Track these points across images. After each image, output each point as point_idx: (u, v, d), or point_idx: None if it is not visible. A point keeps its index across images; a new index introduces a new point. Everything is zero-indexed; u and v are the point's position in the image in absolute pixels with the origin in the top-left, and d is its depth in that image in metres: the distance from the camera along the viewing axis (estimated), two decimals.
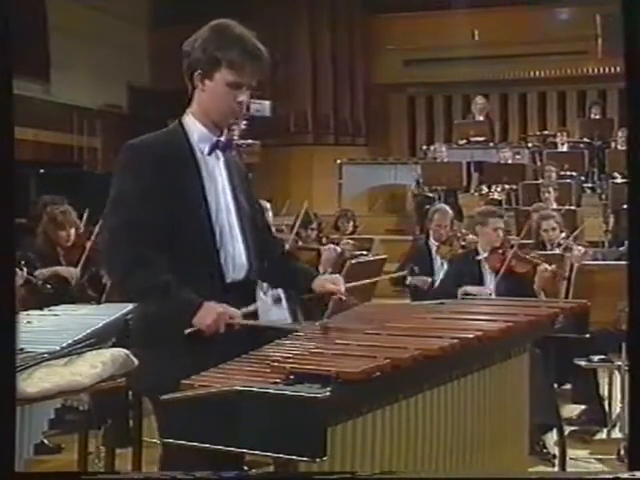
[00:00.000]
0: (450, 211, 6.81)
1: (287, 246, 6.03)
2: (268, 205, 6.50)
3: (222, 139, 2.62)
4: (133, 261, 2.42)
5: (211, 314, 2.42)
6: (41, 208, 5.78)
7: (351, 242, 7.47)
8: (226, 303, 2.47)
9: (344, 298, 2.70)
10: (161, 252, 2.43)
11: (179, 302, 2.43)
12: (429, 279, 6.22)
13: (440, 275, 6.07)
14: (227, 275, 2.55)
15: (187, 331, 2.39)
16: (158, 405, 2.20)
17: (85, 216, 5.94)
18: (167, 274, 2.42)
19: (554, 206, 8.58)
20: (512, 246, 5.31)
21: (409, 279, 6.34)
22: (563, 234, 5.89)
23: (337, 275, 2.87)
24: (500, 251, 5.22)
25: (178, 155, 2.54)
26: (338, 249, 6.06)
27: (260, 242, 2.71)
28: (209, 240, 2.53)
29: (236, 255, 2.58)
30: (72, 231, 5.49)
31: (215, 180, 2.59)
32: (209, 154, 2.59)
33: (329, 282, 2.73)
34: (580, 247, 5.54)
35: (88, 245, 5.51)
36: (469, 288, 5.14)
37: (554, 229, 5.82)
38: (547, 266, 5.01)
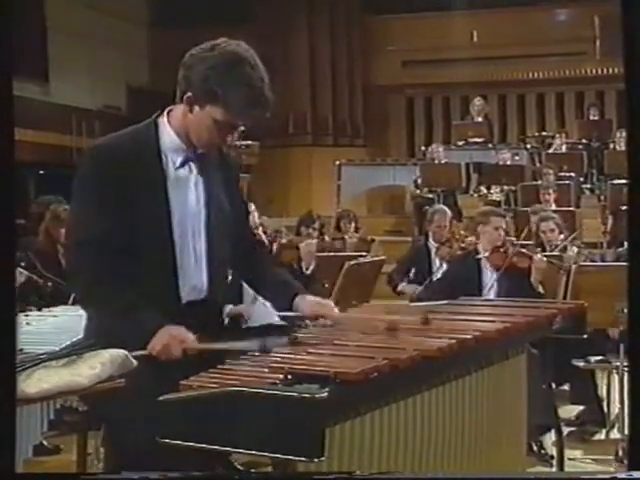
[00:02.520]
0: (449, 211, 6.83)
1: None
2: (252, 206, 6.52)
3: (198, 152, 2.42)
4: (94, 279, 2.31)
5: (162, 339, 2.28)
6: (42, 208, 5.80)
7: (357, 235, 7.54)
8: (183, 324, 2.32)
9: (330, 323, 2.54)
10: (122, 268, 2.31)
11: (136, 325, 2.29)
12: (419, 288, 6.21)
13: (438, 275, 6.08)
14: (183, 296, 2.41)
15: (134, 354, 2.22)
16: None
17: None
18: (128, 293, 2.31)
19: (553, 207, 8.59)
20: (513, 244, 5.33)
21: (401, 285, 6.36)
22: (562, 236, 5.90)
23: (329, 301, 2.65)
24: (502, 249, 5.24)
25: (145, 166, 2.36)
26: (314, 242, 6.14)
27: (240, 251, 2.56)
28: (167, 260, 2.37)
29: (195, 276, 2.43)
30: None
31: (184, 195, 2.40)
32: (180, 167, 2.41)
33: (320, 306, 2.57)
34: (574, 248, 5.56)
35: None
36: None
37: (552, 230, 5.83)
38: (542, 257, 5.03)
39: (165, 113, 2.45)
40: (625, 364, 4.33)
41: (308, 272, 6.00)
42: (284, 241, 6.55)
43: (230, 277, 2.77)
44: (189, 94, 2.34)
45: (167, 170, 2.39)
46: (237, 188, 2.64)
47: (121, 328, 2.30)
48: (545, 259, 5.05)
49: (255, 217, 6.48)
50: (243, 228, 2.65)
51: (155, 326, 2.30)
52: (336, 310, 2.58)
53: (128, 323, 2.30)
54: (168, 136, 2.41)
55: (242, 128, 2.45)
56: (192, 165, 2.43)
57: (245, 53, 2.32)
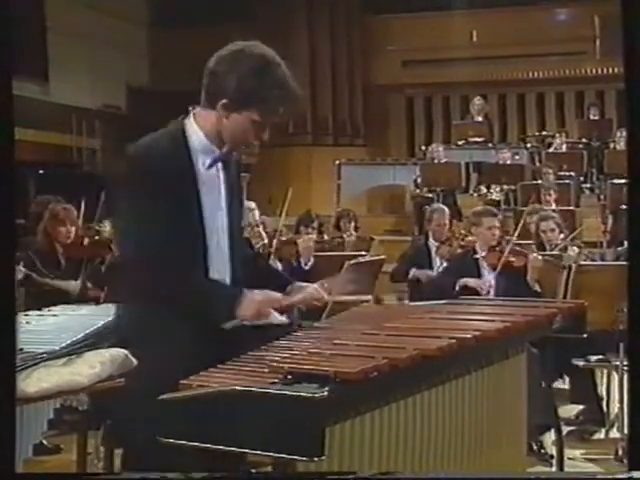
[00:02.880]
0: (448, 210, 6.86)
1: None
2: (253, 204, 6.54)
3: (224, 152, 2.54)
4: (164, 269, 2.41)
5: (251, 306, 2.42)
6: (40, 207, 5.80)
7: (355, 235, 7.55)
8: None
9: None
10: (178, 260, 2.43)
11: (223, 298, 2.44)
12: (432, 272, 6.26)
13: (438, 272, 6.11)
14: None
15: (227, 325, 2.40)
16: None
17: (83, 210, 6.00)
18: (201, 277, 2.46)
19: (553, 207, 8.59)
20: (508, 242, 5.34)
21: (412, 272, 6.38)
22: (562, 235, 5.91)
23: (315, 286, 2.68)
24: (497, 249, 5.25)
25: (178, 167, 2.46)
26: (312, 237, 6.17)
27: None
28: (200, 256, 2.48)
29: (221, 271, 2.54)
30: (72, 229, 5.54)
31: (212, 194, 2.53)
32: (209, 168, 2.52)
33: (310, 292, 2.63)
34: (575, 247, 5.57)
35: (87, 242, 5.58)
36: (469, 280, 5.18)
37: (553, 230, 5.83)
38: (537, 255, 5.04)
39: (191, 115, 2.53)
40: (625, 363, 4.33)
41: (307, 267, 6.04)
42: (283, 238, 6.56)
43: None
44: (224, 101, 2.43)
45: (198, 170, 2.49)
46: (239, 185, 2.73)
47: (207, 306, 2.41)
48: (540, 257, 5.05)
49: (256, 215, 6.49)
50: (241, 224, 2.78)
51: (238, 296, 2.43)
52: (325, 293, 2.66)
53: (212, 300, 2.42)
54: (197, 137, 2.50)
55: None
56: (218, 165, 2.54)
57: (270, 54, 2.47)
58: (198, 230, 2.48)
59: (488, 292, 5.12)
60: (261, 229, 6.39)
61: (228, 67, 2.43)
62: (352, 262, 5.48)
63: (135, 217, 2.45)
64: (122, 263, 2.58)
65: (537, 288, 4.97)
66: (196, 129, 2.50)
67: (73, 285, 5.34)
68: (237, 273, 2.59)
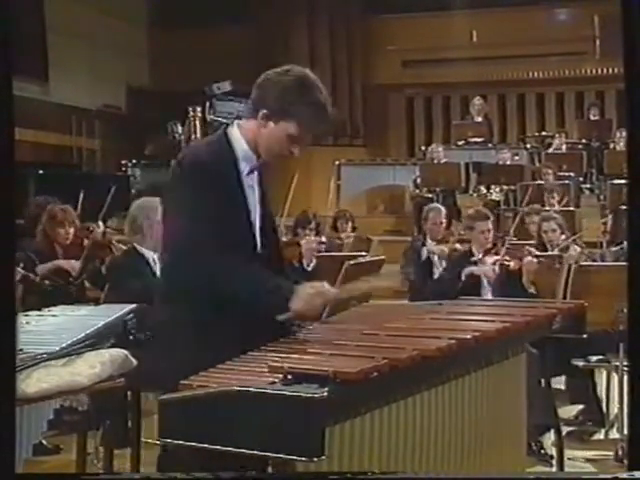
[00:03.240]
0: (444, 209, 6.88)
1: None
2: None
3: (260, 161, 2.69)
4: (221, 266, 2.51)
5: (303, 297, 2.50)
6: (39, 208, 5.80)
7: (353, 235, 7.53)
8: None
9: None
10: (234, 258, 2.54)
11: (277, 285, 2.53)
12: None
13: (440, 270, 6.11)
14: None
15: (281, 317, 2.46)
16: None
17: (79, 208, 6.02)
18: (251, 270, 2.54)
19: (556, 208, 8.59)
20: (504, 243, 5.35)
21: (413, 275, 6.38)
22: (563, 236, 5.91)
23: (319, 283, 2.70)
24: (493, 251, 5.26)
25: (226, 173, 2.62)
26: (316, 239, 6.15)
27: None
28: (251, 257, 2.61)
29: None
30: (71, 230, 5.55)
31: (250, 199, 2.68)
32: (248, 175, 2.68)
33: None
34: (576, 247, 5.57)
35: (86, 243, 5.58)
36: (474, 268, 5.19)
37: (554, 231, 5.83)
38: (531, 258, 5.04)
39: (235, 126, 2.70)
40: (625, 364, 4.33)
41: (309, 269, 6.03)
42: (284, 239, 6.56)
43: None
44: (265, 111, 2.60)
45: (242, 177, 2.67)
46: (270, 194, 2.86)
47: (263, 298, 2.51)
48: (535, 260, 5.05)
49: None
50: (275, 228, 2.91)
51: (292, 289, 2.53)
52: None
53: (267, 292, 2.51)
54: (240, 145, 2.68)
55: None
56: (255, 174, 2.72)
57: (313, 77, 2.64)
58: (247, 228, 2.64)
59: (492, 278, 5.11)
60: None
61: (273, 82, 2.62)
62: (352, 262, 5.48)
63: (197, 218, 2.53)
64: (175, 264, 2.62)
65: (532, 290, 4.98)
66: (239, 137, 2.67)
67: (74, 264, 5.36)
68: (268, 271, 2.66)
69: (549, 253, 5.59)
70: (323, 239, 6.86)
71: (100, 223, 6.44)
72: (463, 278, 5.18)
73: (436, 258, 6.41)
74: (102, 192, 6.89)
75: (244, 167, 2.67)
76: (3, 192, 1.97)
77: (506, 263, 5.12)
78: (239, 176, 2.66)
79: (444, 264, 6.13)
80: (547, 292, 4.91)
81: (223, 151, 2.66)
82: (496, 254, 5.22)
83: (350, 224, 8.00)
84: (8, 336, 1.93)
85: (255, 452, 1.91)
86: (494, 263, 5.17)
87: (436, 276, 6.18)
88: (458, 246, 6.14)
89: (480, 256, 5.28)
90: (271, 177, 2.88)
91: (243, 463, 2.06)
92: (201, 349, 2.40)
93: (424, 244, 6.62)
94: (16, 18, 2.08)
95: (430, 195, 10.64)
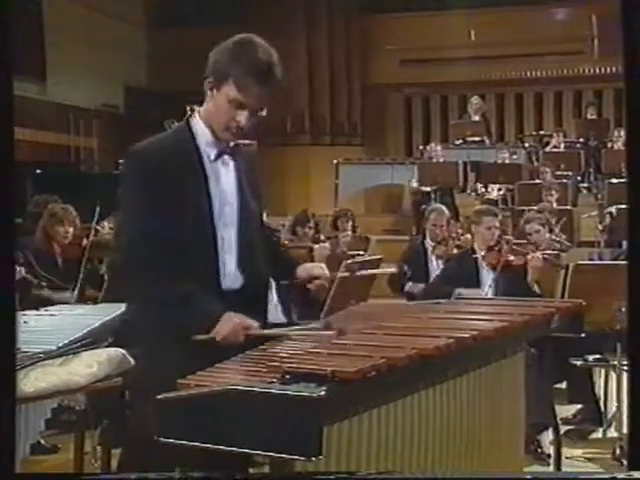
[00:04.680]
0: (446, 211, 6.80)
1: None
2: None
3: (230, 145, 2.56)
4: (151, 273, 2.42)
5: (227, 325, 2.40)
6: (39, 207, 5.81)
7: (350, 235, 7.49)
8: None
9: (326, 284, 2.72)
10: (172, 261, 2.43)
11: (200, 313, 2.42)
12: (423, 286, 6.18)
13: (436, 273, 6.07)
14: (223, 284, 2.54)
15: (198, 337, 2.37)
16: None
17: (75, 214, 6.00)
18: (186, 285, 2.42)
19: (554, 206, 8.60)
20: (507, 242, 5.32)
21: (408, 285, 6.33)
22: (548, 235, 5.88)
23: (320, 263, 2.85)
24: (496, 248, 5.24)
25: (185, 162, 2.50)
26: (327, 246, 6.08)
27: (260, 238, 2.69)
28: (211, 250, 2.50)
29: (227, 265, 2.55)
30: (70, 229, 5.55)
31: (221, 187, 2.54)
32: (215, 160, 2.54)
33: (313, 267, 2.75)
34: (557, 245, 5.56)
35: (85, 243, 5.59)
36: (463, 291, 5.12)
37: (538, 231, 5.79)
38: (536, 254, 5.03)
39: (196, 111, 2.57)
40: (623, 362, 4.33)
41: None
42: (286, 242, 6.53)
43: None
44: (208, 80, 2.49)
45: (205, 164, 2.53)
46: (254, 177, 2.73)
47: (182, 317, 2.40)
48: (541, 256, 5.04)
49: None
50: (260, 216, 2.78)
51: (217, 313, 2.41)
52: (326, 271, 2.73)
53: (189, 311, 2.40)
54: (201, 130, 2.54)
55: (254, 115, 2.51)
56: (225, 158, 2.56)
57: (258, 40, 2.49)
58: (207, 222, 2.49)
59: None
60: None
61: (216, 49, 2.51)
62: (349, 262, 5.47)
63: (136, 214, 2.44)
64: (122, 261, 2.55)
65: (536, 289, 4.96)
66: (199, 122, 2.55)
67: (67, 297, 5.32)
68: (242, 264, 2.58)
69: (548, 252, 5.58)
70: (327, 245, 6.79)
71: (105, 224, 6.44)
72: (452, 299, 5.14)
73: (434, 258, 6.39)
74: (100, 192, 6.88)
75: (210, 152, 2.53)
76: (3, 192, 1.96)
77: (510, 259, 5.10)
78: (202, 164, 2.51)
79: (441, 265, 6.10)
80: (548, 291, 4.91)
81: (180, 140, 2.52)
82: (499, 251, 5.19)
83: (350, 223, 7.98)
84: (8, 336, 1.92)
85: (253, 451, 1.91)
86: (497, 259, 5.14)
87: (432, 277, 6.15)
88: (456, 252, 6.09)
89: (483, 253, 5.25)
90: (260, 170, 2.78)
91: (223, 462, 2.05)
92: (160, 351, 2.37)
93: (423, 244, 6.59)
94: (14, 17, 2.07)
95: (429, 189, 10.63)
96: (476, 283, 5.21)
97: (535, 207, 7.56)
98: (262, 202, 2.78)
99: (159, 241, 2.41)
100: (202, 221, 2.49)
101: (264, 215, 2.89)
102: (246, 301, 2.56)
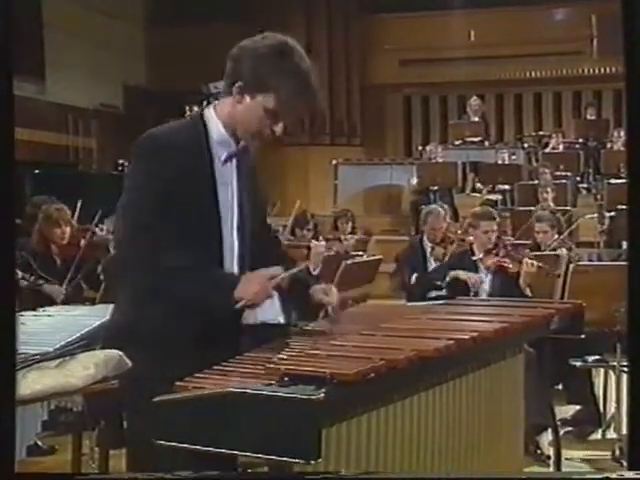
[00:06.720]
0: (443, 212, 6.80)
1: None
2: None
3: (240, 147, 2.47)
4: (166, 242, 2.32)
5: (252, 283, 2.34)
6: (35, 209, 5.80)
7: (354, 237, 7.49)
8: None
9: (334, 312, 2.61)
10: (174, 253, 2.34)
11: (218, 277, 2.38)
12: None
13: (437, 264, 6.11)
14: None
15: (238, 305, 2.31)
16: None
17: (77, 213, 6.00)
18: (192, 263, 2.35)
19: (552, 206, 8.60)
20: (505, 246, 5.33)
21: (413, 278, 6.33)
22: (556, 236, 5.91)
23: (331, 285, 2.70)
24: (494, 252, 5.25)
25: (195, 159, 2.39)
26: (323, 244, 6.08)
27: (262, 244, 2.62)
28: (215, 253, 2.43)
29: (229, 266, 2.48)
30: (67, 229, 5.55)
31: (225, 190, 2.45)
32: (225, 163, 2.45)
33: (322, 293, 2.62)
34: (563, 249, 5.58)
35: (83, 243, 5.59)
36: (459, 272, 5.17)
37: (546, 232, 5.83)
38: (530, 261, 5.04)
39: (212, 107, 2.47)
40: (622, 364, 4.32)
41: (315, 273, 5.95)
42: (286, 242, 6.52)
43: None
44: (240, 83, 2.35)
45: (215, 165, 2.42)
46: (257, 177, 2.67)
47: (199, 284, 2.32)
48: (535, 263, 5.04)
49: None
50: (263, 216, 2.73)
51: (235, 276, 2.38)
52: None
53: (204, 278, 2.33)
54: (216, 129, 2.43)
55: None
56: (233, 160, 2.47)
57: (293, 43, 2.36)
58: (214, 222, 2.41)
59: (477, 286, 5.11)
60: None
61: (248, 51, 2.35)
62: (349, 262, 5.47)
63: (133, 205, 2.35)
64: (124, 259, 2.46)
65: (528, 292, 4.98)
66: (215, 118, 2.43)
67: (57, 290, 5.30)
68: (244, 266, 2.52)
69: (541, 253, 5.59)
70: (323, 243, 6.79)
71: (104, 226, 6.43)
72: (447, 279, 5.17)
73: (432, 259, 6.38)
74: (99, 192, 6.88)
75: (220, 152, 2.42)
76: (3, 192, 1.96)
77: (505, 265, 5.12)
78: (212, 162, 2.40)
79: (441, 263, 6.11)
80: (541, 294, 4.92)
81: (193, 132, 2.40)
82: (496, 255, 5.21)
83: (350, 224, 7.97)
84: (8, 337, 1.92)
85: (251, 454, 1.90)
86: (494, 263, 5.16)
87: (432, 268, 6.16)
88: (457, 250, 6.10)
89: (481, 256, 5.27)
90: (259, 170, 2.63)
91: (212, 464, 2.04)
92: (160, 352, 2.30)
93: (421, 243, 6.58)
94: (13, 16, 2.06)
95: (431, 187, 10.64)
96: (463, 288, 5.23)
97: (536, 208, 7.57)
98: (266, 203, 2.72)
99: (168, 217, 2.31)
100: (208, 224, 2.41)
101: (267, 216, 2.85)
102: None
